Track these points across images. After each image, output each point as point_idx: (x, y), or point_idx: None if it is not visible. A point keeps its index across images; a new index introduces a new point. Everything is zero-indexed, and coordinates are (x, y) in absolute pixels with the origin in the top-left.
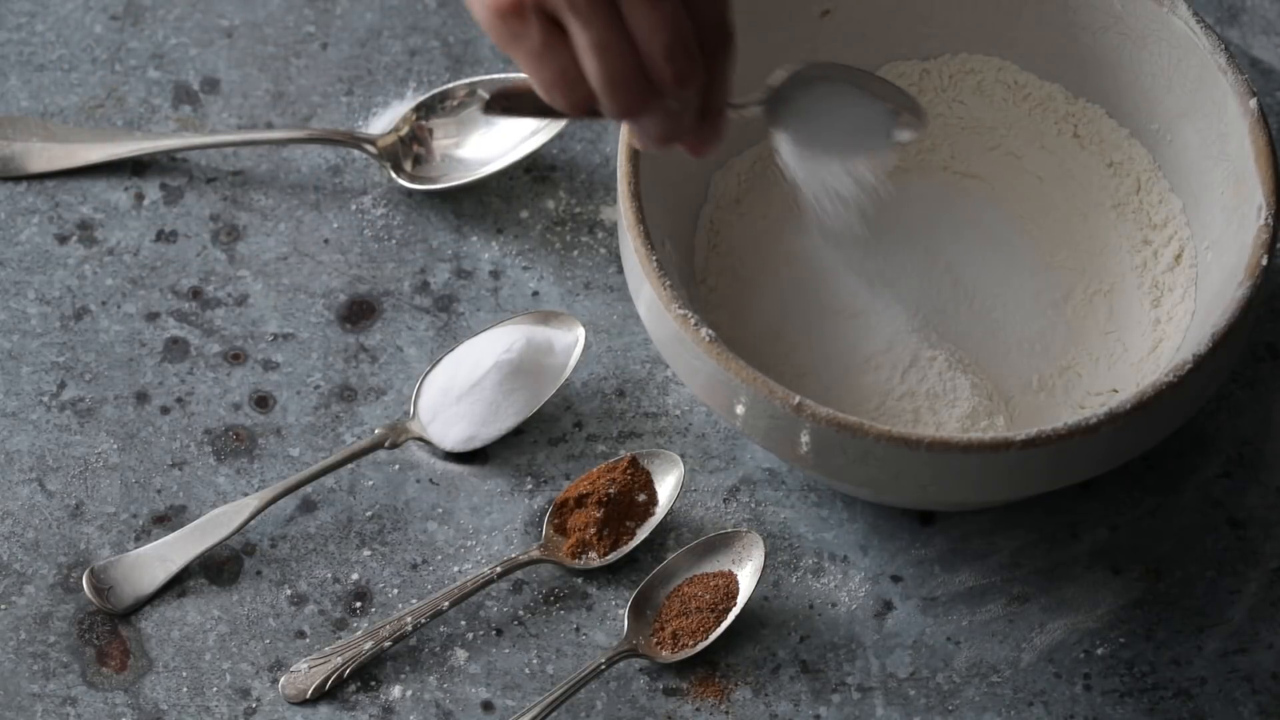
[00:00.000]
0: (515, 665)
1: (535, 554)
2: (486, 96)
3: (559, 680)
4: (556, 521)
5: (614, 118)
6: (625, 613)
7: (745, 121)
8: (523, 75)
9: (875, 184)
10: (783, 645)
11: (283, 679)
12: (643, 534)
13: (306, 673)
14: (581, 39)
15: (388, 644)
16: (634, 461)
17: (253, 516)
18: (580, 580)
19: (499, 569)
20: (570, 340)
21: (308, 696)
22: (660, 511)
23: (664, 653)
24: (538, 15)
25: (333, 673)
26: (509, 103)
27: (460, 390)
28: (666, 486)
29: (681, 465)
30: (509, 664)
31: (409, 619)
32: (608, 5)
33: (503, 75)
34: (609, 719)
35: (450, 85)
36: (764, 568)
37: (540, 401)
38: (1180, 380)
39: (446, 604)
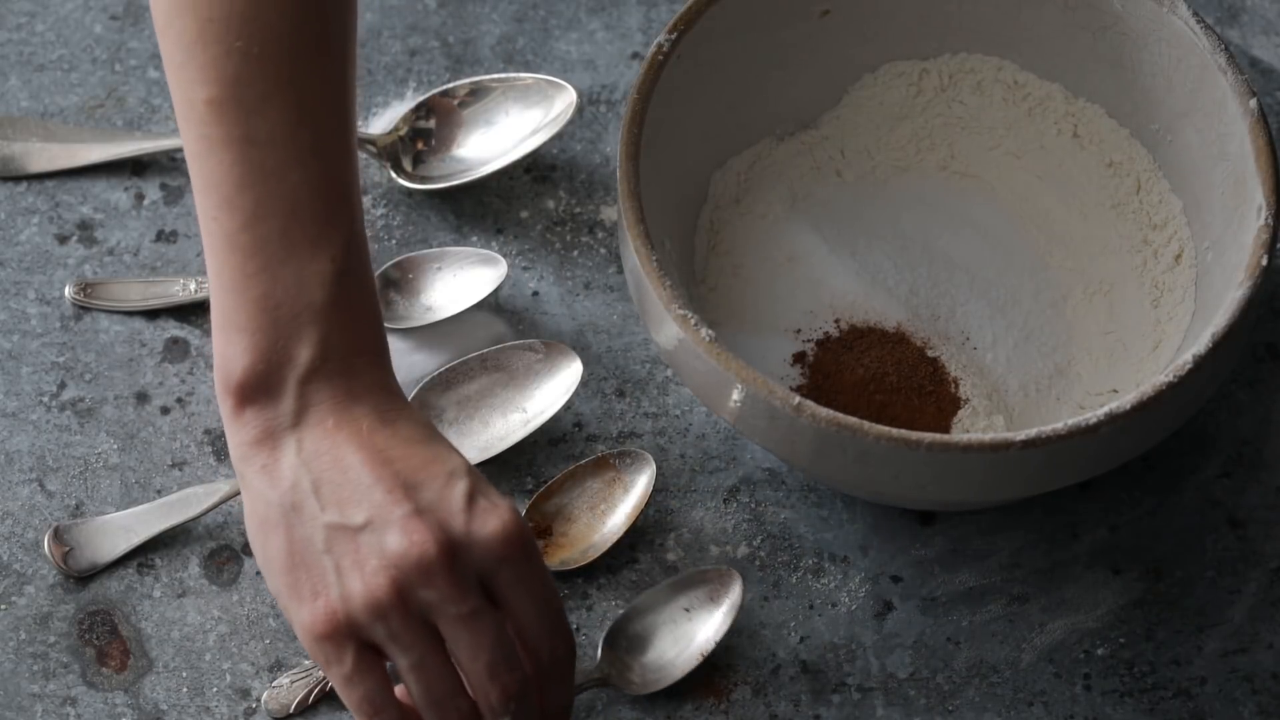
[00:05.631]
0: None
1: None
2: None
3: None
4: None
5: None
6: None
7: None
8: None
9: None
10: (783, 645)
11: (265, 694)
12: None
13: (289, 688)
14: (403, 661)
15: None
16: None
17: (224, 500)
18: (580, 580)
19: None
20: (569, 376)
21: (290, 712)
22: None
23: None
24: (354, 642)
25: (315, 686)
26: None
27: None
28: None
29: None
30: None
31: None
32: (428, 631)
33: (504, 75)
34: (609, 719)
35: (450, 85)
36: (751, 586)
37: (528, 431)
38: (1180, 380)
39: None
